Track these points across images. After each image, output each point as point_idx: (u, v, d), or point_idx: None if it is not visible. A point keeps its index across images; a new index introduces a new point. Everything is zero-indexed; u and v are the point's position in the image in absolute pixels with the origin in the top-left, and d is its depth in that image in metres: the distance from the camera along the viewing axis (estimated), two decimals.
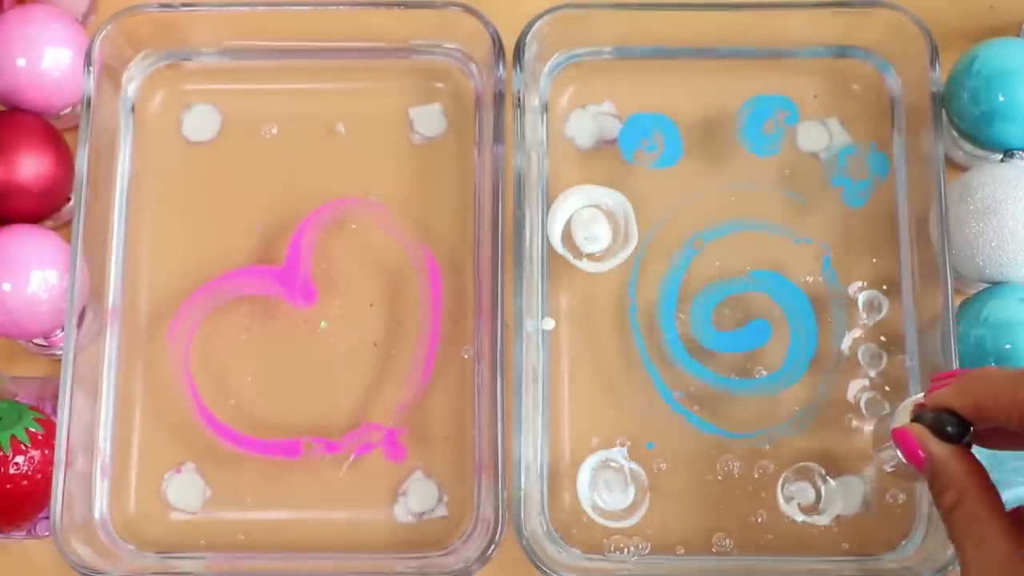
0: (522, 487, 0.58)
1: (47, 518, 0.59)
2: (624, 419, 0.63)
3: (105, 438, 0.63)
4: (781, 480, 0.62)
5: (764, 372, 0.63)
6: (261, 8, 0.65)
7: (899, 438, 0.49)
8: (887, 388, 0.63)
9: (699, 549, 0.62)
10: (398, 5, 0.65)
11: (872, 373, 0.63)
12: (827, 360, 0.63)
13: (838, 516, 0.61)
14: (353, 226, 0.65)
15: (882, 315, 0.64)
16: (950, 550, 0.58)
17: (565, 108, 0.67)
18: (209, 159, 0.67)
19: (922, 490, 0.61)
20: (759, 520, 0.62)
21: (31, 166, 0.62)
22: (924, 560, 0.59)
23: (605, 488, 0.62)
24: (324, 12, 0.65)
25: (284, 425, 0.63)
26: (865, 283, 0.64)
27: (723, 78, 0.67)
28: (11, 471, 0.58)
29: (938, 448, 0.47)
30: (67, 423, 0.59)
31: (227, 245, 0.65)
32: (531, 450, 0.61)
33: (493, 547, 0.58)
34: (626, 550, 0.62)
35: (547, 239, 0.64)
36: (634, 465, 0.62)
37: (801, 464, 0.62)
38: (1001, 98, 0.61)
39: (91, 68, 0.63)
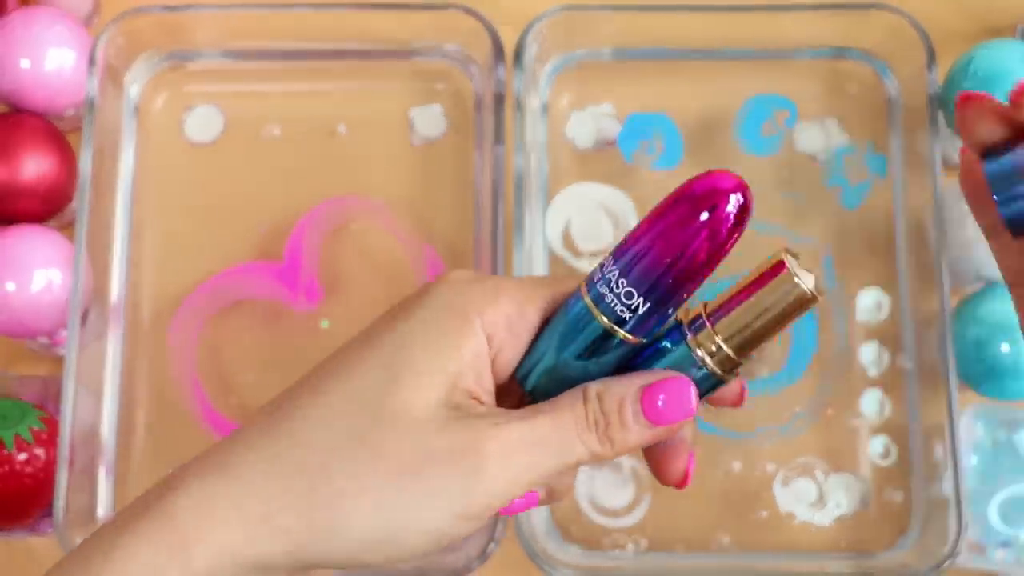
0: None
1: (50, 515, 0.59)
2: None
3: (108, 436, 0.63)
4: (781, 478, 0.62)
5: (765, 372, 0.63)
6: (263, 10, 0.66)
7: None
8: (887, 387, 0.63)
9: (699, 547, 0.62)
10: (399, 7, 0.65)
11: (872, 372, 0.63)
12: (827, 360, 0.64)
13: (838, 516, 0.62)
14: (354, 226, 0.66)
15: (881, 315, 0.64)
16: (946, 547, 0.58)
17: (565, 109, 0.67)
18: (211, 160, 0.67)
19: (920, 488, 0.62)
20: (759, 518, 0.62)
21: (35, 167, 0.63)
22: (921, 557, 0.60)
23: (605, 486, 0.62)
24: (325, 14, 0.66)
25: None
26: (864, 283, 0.64)
27: (722, 79, 0.67)
28: (15, 468, 0.59)
29: None
30: (70, 421, 0.59)
31: (229, 245, 0.65)
32: None
33: (493, 545, 0.58)
34: (626, 548, 0.62)
35: (547, 239, 0.64)
36: (634, 463, 0.62)
37: (801, 461, 0.62)
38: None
39: (94, 69, 0.63)
